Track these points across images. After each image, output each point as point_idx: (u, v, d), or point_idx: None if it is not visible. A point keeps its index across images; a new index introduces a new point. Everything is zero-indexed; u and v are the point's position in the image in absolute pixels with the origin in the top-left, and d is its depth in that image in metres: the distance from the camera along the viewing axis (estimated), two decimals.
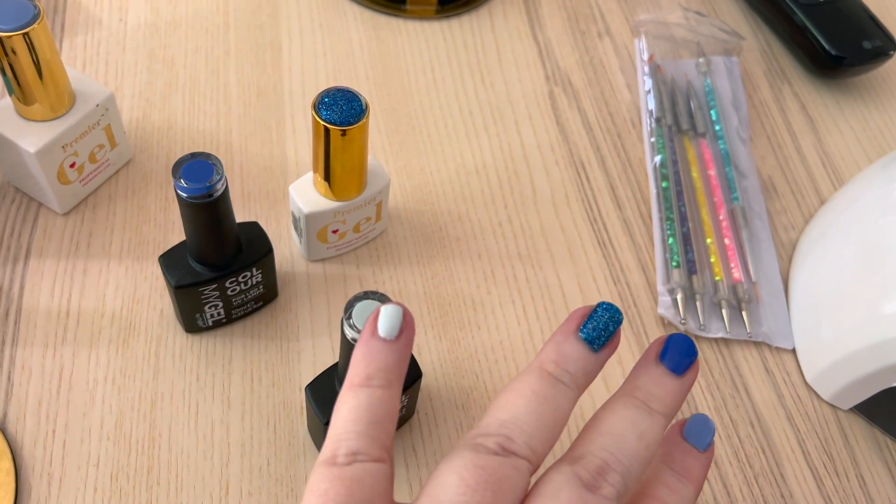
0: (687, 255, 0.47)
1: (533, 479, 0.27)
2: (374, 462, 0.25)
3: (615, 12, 0.60)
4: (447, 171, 0.50)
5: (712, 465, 0.41)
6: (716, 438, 0.42)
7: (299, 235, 0.44)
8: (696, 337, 0.45)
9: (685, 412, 0.43)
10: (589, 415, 0.40)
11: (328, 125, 0.37)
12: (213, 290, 0.39)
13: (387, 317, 0.27)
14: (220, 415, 0.39)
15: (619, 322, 0.28)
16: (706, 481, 0.40)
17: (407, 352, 0.28)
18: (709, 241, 0.48)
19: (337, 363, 0.36)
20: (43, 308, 0.42)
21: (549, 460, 0.27)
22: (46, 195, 0.44)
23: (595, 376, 0.28)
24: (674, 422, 0.30)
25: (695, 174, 0.51)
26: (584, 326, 0.28)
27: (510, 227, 0.48)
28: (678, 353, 0.29)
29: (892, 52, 0.56)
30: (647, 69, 0.55)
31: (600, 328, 0.28)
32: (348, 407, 0.26)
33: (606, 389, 0.42)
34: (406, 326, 0.28)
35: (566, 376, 0.27)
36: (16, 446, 0.38)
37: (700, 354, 0.44)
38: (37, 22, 0.37)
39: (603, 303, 0.29)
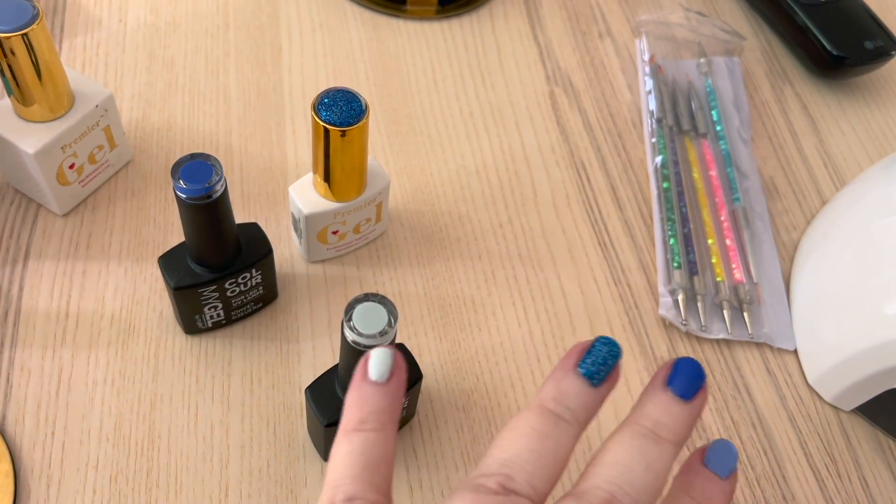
0: (688, 255, 0.47)
1: None
2: None
3: (616, 13, 0.60)
4: (447, 172, 0.50)
5: None
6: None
7: (299, 236, 0.44)
8: (698, 338, 0.45)
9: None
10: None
11: (328, 126, 0.37)
12: (213, 291, 0.39)
13: (377, 360, 0.28)
14: (220, 416, 0.39)
15: (617, 356, 0.28)
16: None
17: (399, 394, 0.28)
18: (710, 241, 0.48)
19: (337, 365, 0.36)
20: (42, 309, 0.41)
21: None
22: (46, 196, 0.43)
23: (596, 412, 0.28)
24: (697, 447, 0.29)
25: (696, 175, 0.51)
26: (583, 362, 0.28)
27: (511, 228, 0.48)
28: (686, 378, 0.28)
29: (893, 53, 0.56)
30: (647, 70, 0.55)
31: (599, 363, 0.28)
32: (343, 452, 0.26)
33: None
34: (397, 369, 0.28)
35: (567, 413, 0.27)
36: (15, 448, 0.37)
37: (704, 353, 0.44)
38: (36, 23, 0.37)
39: (601, 337, 0.28)
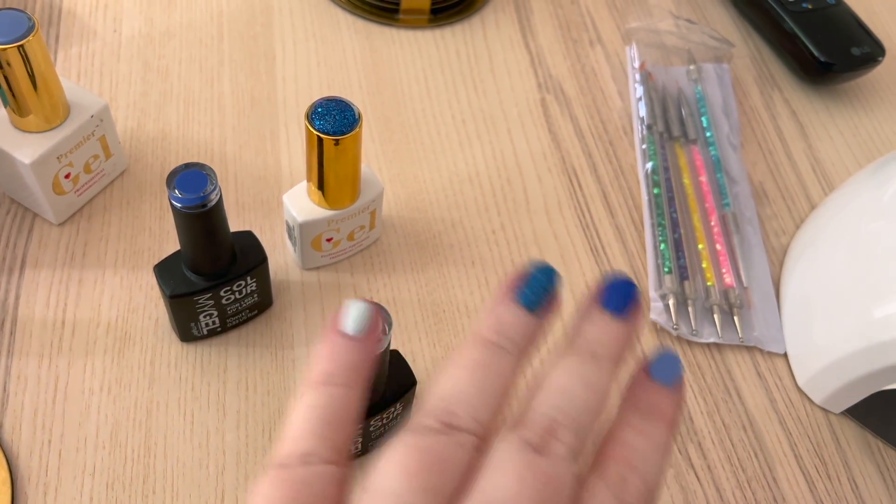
0: (679, 260, 0.47)
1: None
2: (326, 464, 0.23)
3: (606, 20, 0.60)
4: (440, 179, 0.50)
5: (705, 468, 0.41)
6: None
7: (293, 244, 0.44)
8: (689, 342, 0.45)
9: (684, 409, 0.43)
10: None
11: (321, 135, 0.37)
12: (208, 299, 0.39)
13: (355, 313, 0.26)
14: (216, 423, 0.40)
15: (556, 282, 0.27)
16: (700, 484, 0.41)
17: (373, 353, 0.26)
18: (700, 246, 0.49)
19: None
20: (38, 318, 0.42)
21: None
22: (41, 206, 0.44)
23: (537, 340, 0.26)
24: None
25: (686, 180, 0.52)
26: (522, 291, 0.26)
27: (503, 234, 0.48)
28: (618, 294, 0.27)
29: (880, 59, 0.57)
30: (638, 76, 0.56)
31: (539, 291, 0.26)
32: (305, 405, 0.24)
33: None
34: (374, 326, 0.26)
35: (508, 343, 0.25)
36: (11, 456, 0.38)
37: (695, 356, 0.45)
38: (31, 34, 0.37)
39: (538, 263, 0.27)
